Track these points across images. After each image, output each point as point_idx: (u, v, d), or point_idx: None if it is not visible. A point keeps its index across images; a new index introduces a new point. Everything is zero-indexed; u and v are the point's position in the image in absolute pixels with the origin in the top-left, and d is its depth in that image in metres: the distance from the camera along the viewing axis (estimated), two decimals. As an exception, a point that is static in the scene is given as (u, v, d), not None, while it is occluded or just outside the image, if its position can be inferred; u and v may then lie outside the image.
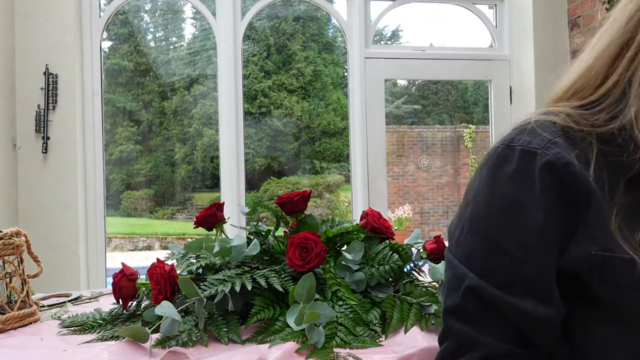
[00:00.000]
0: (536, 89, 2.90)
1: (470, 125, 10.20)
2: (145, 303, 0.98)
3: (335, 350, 0.80)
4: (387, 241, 1.09)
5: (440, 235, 1.17)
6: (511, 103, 3.08)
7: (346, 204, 10.39)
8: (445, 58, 3.08)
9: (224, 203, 1.10)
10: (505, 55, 3.09)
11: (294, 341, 0.81)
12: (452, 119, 12.14)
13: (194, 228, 1.08)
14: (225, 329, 0.85)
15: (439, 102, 12.53)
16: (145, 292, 0.97)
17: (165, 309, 0.81)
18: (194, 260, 0.99)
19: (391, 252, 1.00)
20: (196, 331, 0.84)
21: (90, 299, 1.23)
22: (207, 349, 0.81)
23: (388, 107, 11.38)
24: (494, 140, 3.10)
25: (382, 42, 10.84)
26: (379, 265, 0.97)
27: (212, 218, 1.07)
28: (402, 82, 12.58)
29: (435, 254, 1.14)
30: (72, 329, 0.93)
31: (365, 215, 1.07)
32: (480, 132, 9.98)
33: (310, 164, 11.18)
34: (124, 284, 0.94)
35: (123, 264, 0.97)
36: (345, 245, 1.05)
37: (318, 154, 11.14)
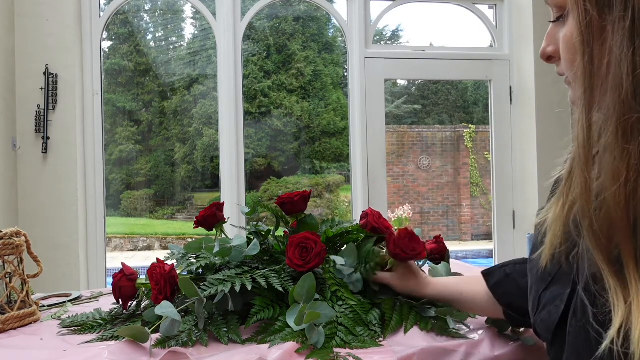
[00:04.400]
0: (536, 89, 2.90)
1: (470, 125, 10.20)
2: (145, 303, 0.98)
3: (335, 350, 0.80)
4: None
5: (440, 235, 1.17)
6: (511, 103, 3.08)
7: (346, 204, 10.39)
8: (445, 58, 3.08)
9: (223, 203, 1.10)
10: (505, 55, 3.08)
11: (294, 341, 0.80)
12: (452, 119, 12.15)
13: (194, 228, 1.08)
14: (225, 329, 0.85)
15: (439, 102, 12.54)
16: (145, 292, 0.96)
17: (165, 309, 0.81)
18: (194, 260, 0.99)
19: (374, 247, 1.00)
20: (196, 331, 0.84)
21: (90, 299, 1.23)
22: (207, 349, 0.81)
23: (388, 107, 11.38)
24: (494, 140, 3.11)
25: (382, 42, 10.84)
26: (366, 263, 0.97)
27: (212, 218, 1.07)
28: (402, 82, 12.58)
29: (435, 254, 1.14)
30: (72, 329, 0.93)
31: (365, 215, 1.07)
32: (480, 132, 9.98)
33: (310, 164, 11.19)
34: (124, 284, 0.94)
35: (123, 264, 0.97)
36: (346, 246, 1.05)
37: (318, 154, 11.14)
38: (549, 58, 0.62)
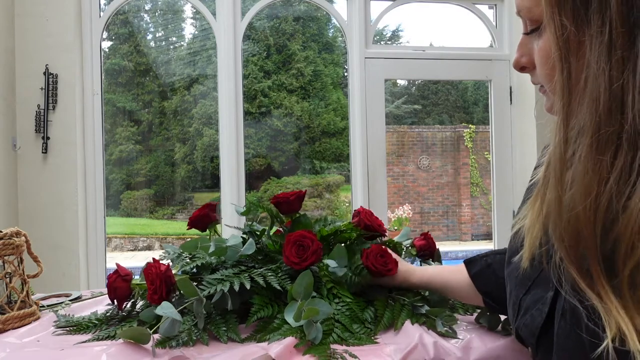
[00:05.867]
0: (536, 89, 2.89)
1: (470, 125, 10.20)
2: (140, 304, 0.98)
3: (332, 346, 0.81)
4: (379, 239, 1.09)
5: (428, 232, 1.17)
6: (511, 103, 3.08)
7: (346, 204, 10.40)
8: (445, 58, 3.08)
9: (216, 204, 1.10)
10: (505, 55, 3.09)
11: (293, 337, 0.81)
12: (452, 119, 12.16)
13: (187, 229, 1.09)
14: (224, 328, 0.85)
15: (439, 102, 12.55)
16: (140, 293, 0.96)
17: (166, 309, 0.81)
18: (189, 260, 1.00)
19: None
20: (195, 331, 0.84)
21: (90, 299, 1.23)
22: (209, 348, 0.81)
23: (388, 107, 11.39)
24: (494, 140, 3.11)
25: (382, 42, 10.84)
26: (359, 272, 0.98)
27: (205, 218, 1.07)
28: (402, 82, 12.59)
29: (424, 251, 1.14)
30: (67, 329, 0.93)
31: (357, 213, 1.08)
32: (480, 132, 9.98)
33: (310, 164, 11.19)
34: (119, 284, 0.94)
35: (117, 265, 0.97)
36: (338, 244, 1.06)
37: (318, 154, 11.15)
38: (523, 68, 0.63)
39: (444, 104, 12.49)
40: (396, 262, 0.97)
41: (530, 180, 0.69)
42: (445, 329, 0.89)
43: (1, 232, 0.99)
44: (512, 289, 0.68)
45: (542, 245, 0.57)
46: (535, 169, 0.70)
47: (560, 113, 0.52)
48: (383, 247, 0.98)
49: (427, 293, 1.00)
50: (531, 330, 0.61)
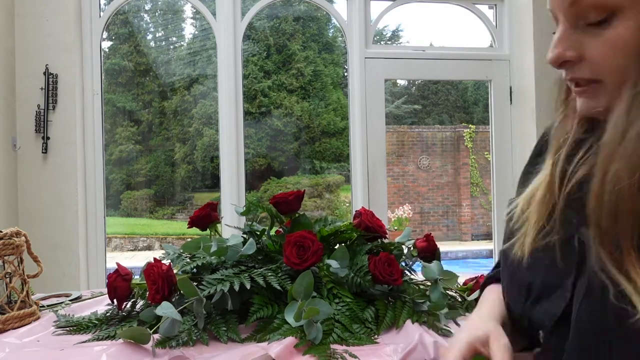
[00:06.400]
0: (536, 89, 2.90)
1: (470, 125, 10.20)
2: (140, 303, 0.98)
3: (332, 346, 0.80)
4: (379, 240, 1.09)
5: (430, 233, 1.17)
6: (511, 103, 3.08)
7: (346, 204, 10.39)
8: (445, 58, 3.08)
9: (217, 203, 1.10)
10: (505, 55, 3.08)
11: (293, 337, 0.81)
12: (452, 119, 12.16)
13: (188, 228, 1.09)
14: (224, 328, 0.85)
15: (439, 102, 12.54)
16: (140, 293, 0.96)
17: (166, 309, 0.81)
18: (189, 260, 1.00)
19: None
20: (195, 331, 0.84)
21: (90, 299, 1.23)
22: (209, 348, 0.81)
23: (388, 107, 11.38)
24: (494, 140, 3.11)
25: (382, 42, 10.84)
26: (362, 276, 0.97)
27: (206, 218, 1.07)
28: (402, 82, 12.59)
29: (425, 252, 1.14)
30: (67, 329, 0.93)
31: (358, 214, 1.08)
32: (480, 132, 9.98)
33: (310, 164, 11.19)
34: (119, 284, 0.94)
35: (118, 264, 0.97)
36: (338, 245, 1.05)
37: (318, 154, 11.14)
38: (564, 62, 0.58)
39: (444, 104, 12.49)
40: (401, 272, 0.96)
41: (531, 166, 0.68)
42: (446, 328, 0.89)
43: (1, 232, 0.99)
44: (514, 271, 0.66)
45: (557, 230, 0.56)
46: (537, 156, 0.68)
47: (626, 101, 0.50)
48: (391, 255, 0.97)
49: (428, 290, 1.00)
50: (551, 316, 0.60)
